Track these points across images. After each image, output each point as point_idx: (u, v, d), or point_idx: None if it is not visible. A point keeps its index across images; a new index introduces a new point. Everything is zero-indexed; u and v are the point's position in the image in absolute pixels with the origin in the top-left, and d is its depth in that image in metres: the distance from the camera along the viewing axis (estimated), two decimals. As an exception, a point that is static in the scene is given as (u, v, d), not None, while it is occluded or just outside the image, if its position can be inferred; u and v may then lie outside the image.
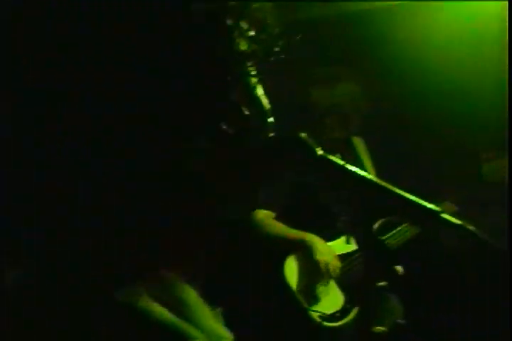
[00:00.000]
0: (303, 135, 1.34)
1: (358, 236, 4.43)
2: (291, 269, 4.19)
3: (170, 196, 1.15)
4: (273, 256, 4.23)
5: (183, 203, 1.18)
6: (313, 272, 4.17)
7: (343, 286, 4.27)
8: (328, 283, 4.23)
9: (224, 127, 1.15)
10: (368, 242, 4.43)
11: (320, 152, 1.35)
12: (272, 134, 1.27)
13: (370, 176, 1.39)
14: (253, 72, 1.24)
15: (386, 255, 4.50)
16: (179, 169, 1.14)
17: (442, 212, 1.39)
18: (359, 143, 4.54)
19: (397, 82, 5.05)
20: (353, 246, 4.37)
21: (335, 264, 4.20)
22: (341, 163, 1.38)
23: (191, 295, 1.17)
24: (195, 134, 1.14)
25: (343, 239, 4.39)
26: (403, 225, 4.42)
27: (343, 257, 4.32)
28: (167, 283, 1.18)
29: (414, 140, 5.08)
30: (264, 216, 4.23)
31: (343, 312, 4.21)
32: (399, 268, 4.43)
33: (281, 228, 4.23)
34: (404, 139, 5.04)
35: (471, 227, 1.41)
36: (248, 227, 4.21)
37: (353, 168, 1.41)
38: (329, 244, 4.24)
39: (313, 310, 4.08)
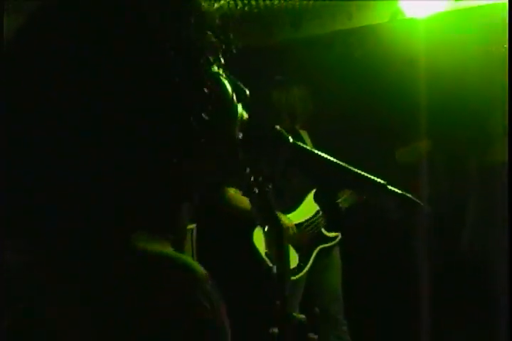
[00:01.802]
0: (277, 126, 1.34)
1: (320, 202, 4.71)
2: (258, 236, 4.41)
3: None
4: (243, 226, 4.44)
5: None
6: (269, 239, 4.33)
7: (297, 247, 4.44)
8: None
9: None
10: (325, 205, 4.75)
11: (291, 140, 1.35)
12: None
13: (329, 157, 1.39)
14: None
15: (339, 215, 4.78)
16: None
17: (388, 184, 1.40)
18: (305, 135, 4.75)
19: (341, 88, 5.25)
20: (314, 209, 4.76)
21: (292, 231, 4.46)
22: (308, 147, 1.39)
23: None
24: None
25: (306, 204, 4.76)
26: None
27: (301, 223, 4.66)
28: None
29: (350, 133, 5.26)
30: (235, 192, 4.45)
31: (298, 268, 4.51)
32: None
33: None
34: (342, 132, 5.22)
35: (410, 195, 1.42)
36: (222, 200, 4.44)
37: (317, 151, 1.41)
38: (293, 213, 4.68)
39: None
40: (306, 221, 4.67)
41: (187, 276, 1.06)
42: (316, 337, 1.69)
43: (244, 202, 4.29)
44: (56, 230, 1.11)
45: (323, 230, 4.73)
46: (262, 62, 5.43)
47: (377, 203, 4.54)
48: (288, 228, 4.42)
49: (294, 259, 4.45)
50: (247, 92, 1.20)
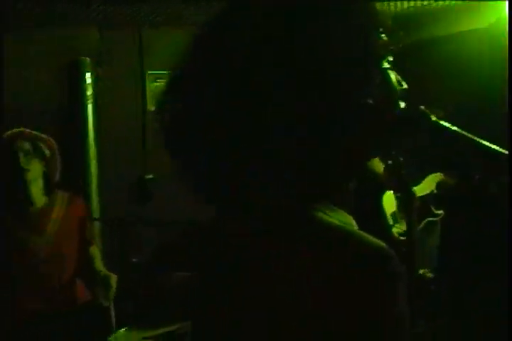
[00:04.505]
0: (422, 106, 1.30)
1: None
2: (387, 199, 4.57)
3: None
4: (375, 187, 4.51)
5: None
6: (399, 204, 4.51)
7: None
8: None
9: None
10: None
11: (434, 118, 1.31)
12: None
13: (465, 133, 1.34)
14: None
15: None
16: None
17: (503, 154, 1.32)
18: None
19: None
20: (430, 189, 4.85)
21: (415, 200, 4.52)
22: (448, 125, 1.34)
23: None
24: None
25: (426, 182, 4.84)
26: None
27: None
28: None
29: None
30: (377, 162, 4.41)
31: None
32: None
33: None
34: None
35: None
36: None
37: (455, 128, 1.36)
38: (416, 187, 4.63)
39: (395, 227, 4.45)
40: (422, 196, 4.70)
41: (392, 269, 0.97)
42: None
43: (379, 166, 4.39)
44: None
45: (431, 207, 4.85)
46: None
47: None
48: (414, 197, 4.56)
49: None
50: (405, 85, 1.17)
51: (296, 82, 1.00)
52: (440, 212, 4.89)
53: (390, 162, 1.44)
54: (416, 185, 4.74)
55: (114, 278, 3.45)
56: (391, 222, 4.52)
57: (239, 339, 1.08)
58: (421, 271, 2.05)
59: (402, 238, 4.50)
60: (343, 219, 1.07)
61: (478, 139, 1.29)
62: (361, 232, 1.02)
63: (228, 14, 1.12)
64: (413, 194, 1.88)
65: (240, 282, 1.09)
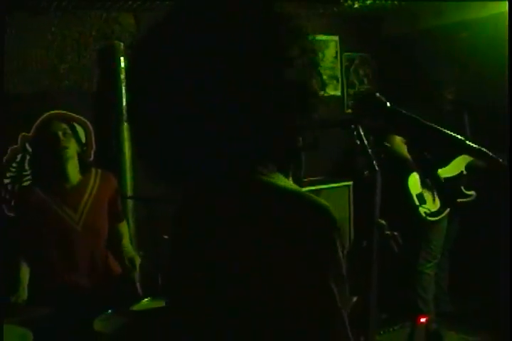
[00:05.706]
0: (377, 93, 1.40)
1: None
2: (412, 180, 4.61)
3: None
4: (401, 170, 4.62)
5: None
6: (424, 185, 4.60)
7: (440, 196, 4.69)
8: (433, 192, 4.61)
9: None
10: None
11: (389, 105, 1.41)
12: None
13: (419, 118, 1.43)
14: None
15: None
16: None
17: (466, 140, 1.42)
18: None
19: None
20: (459, 170, 4.89)
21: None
22: (404, 112, 1.44)
23: None
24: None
25: (455, 163, 4.87)
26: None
27: (449, 178, 4.82)
28: None
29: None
30: (400, 140, 4.63)
31: (438, 212, 4.69)
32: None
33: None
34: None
35: (486, 150, 1.43)
36: (388, 145, 4.66)
37: (414, 116, 1.45)
38: (444, 169, 4.79)
39: (422, 207, 4.51)
40: (451, 177, 4.82)
41: (329, 219, 1.12)
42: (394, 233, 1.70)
43: (402, 148, 4.61)
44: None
45: (462, 188, 4.87)
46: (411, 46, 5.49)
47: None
48: None
49: (437, 204, 4.66)
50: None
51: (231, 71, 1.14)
52: (471, 193, 4.91)
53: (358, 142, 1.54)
54: (444, 166, 4.82)
55: (138, 261, 3.64)
56: (417, 203, 4.54)
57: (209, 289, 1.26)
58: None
59: (429, 218, 4.55)
60: (285, 183, 1.21)
61: (432, 125, 1.39)
62: (298, 188, 1.17)
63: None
64: (376, 170, 1.97)
65: (203, 244, 1.27)
